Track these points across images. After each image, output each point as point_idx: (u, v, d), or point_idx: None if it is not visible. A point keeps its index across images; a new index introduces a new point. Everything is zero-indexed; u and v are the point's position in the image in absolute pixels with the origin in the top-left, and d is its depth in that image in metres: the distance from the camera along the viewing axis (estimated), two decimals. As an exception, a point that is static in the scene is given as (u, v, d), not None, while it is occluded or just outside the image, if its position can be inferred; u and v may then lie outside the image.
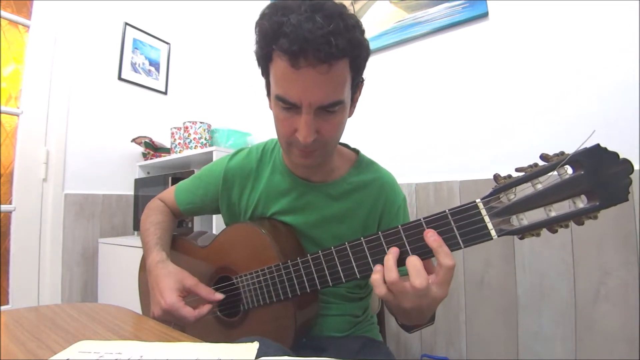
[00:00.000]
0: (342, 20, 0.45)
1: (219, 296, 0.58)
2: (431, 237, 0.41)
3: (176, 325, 0.54)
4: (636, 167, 0.86)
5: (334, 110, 0.50)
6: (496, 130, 1.08)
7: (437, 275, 0.41)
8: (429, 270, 0.42)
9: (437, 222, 0.42)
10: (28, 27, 1.45)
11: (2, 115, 1.36)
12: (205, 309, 0.56)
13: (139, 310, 0.77)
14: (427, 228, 0.43)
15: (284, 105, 0.50)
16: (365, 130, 1.34)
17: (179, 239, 0.76)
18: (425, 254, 0.43)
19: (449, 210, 0.42)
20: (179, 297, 0.55)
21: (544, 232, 0.39)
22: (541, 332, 0.96)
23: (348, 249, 0.49)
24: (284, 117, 0.52)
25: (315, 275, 0.53)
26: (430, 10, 1.23)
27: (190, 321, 0.54)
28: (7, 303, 1.34)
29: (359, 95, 0.61)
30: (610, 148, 0.37)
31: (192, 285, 0.58)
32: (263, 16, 0.48)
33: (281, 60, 0.47)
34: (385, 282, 0.42)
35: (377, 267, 0.44)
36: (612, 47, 0.91)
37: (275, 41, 0.46)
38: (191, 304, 0.56)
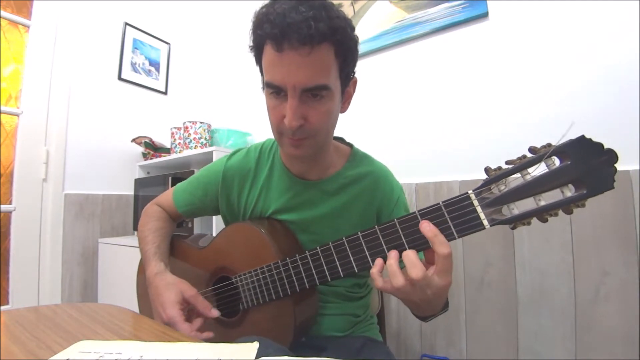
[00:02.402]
0: (325, 9, 0.48)
1: (215, 313, 0.57)
2: (426, 228, 0.43)
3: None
4: (636, 167, 0.86)
5: (320, 95, 0.51)
6: (496, 130, 1.08)
7: (437, 264, 0.42)
8: (431, 260, 0.43)
9: (432, 214, 0.44)
10: (28, 27, 1.45)
11: (2, 115, 1.36)
12: (203, 334, 0.55)
13: (138, 311, 0.77)
14: (422, 220, 0.44)
15: (272, 91, 0.52)
16: (365, 130, 1.33)
17: (179, 241, 0.75)
18: (423, 244, 0.44)
19: (442, 202, 0.43)
20: (179, 311, 0.55)
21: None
22: (541, 332, 0.96)
23: (346, 243, 0.50)
24: (274, 104, 0.53)
25: (313, 272, 0.53)
26: (430, 10, 1.23)
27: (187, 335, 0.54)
28: (7, 303, 1.34)
29: (353, 91, 0.61)
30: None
31: (191, 296, 0.58)
32: (256, 10, 0.52)
33: (268, 47, 0.49)
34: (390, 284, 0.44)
35: (378, 261, 0.45)
36: (612, 46, 0.91)
37: (261, 28, 0.49)
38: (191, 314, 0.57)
